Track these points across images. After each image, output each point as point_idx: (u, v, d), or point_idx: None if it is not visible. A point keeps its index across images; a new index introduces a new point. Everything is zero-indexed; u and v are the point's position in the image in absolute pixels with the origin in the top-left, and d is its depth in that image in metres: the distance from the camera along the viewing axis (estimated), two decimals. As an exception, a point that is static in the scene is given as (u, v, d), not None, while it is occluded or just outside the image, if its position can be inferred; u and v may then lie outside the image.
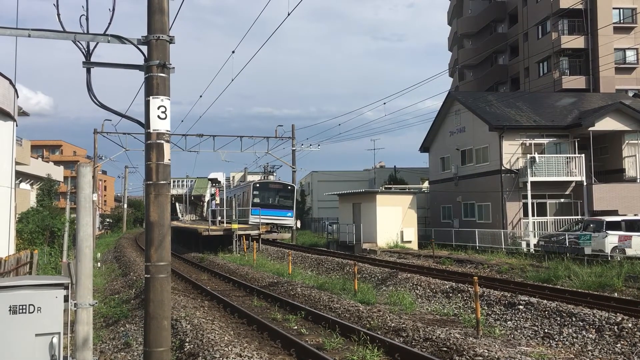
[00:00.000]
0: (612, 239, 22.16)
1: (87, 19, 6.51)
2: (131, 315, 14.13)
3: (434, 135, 38.61)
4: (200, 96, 34.18)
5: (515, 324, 12.58)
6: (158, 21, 6.50)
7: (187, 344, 10.37)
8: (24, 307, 5.28)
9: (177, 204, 79.70)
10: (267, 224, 36.53)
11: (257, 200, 38.50)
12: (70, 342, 5.94)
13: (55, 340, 5.33)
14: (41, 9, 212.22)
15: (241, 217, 38.88)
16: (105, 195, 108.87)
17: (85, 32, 6.53)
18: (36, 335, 5.29)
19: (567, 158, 30.10)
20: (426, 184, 44.86)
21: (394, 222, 32.35)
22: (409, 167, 55.92)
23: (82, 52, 6.64)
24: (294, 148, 41.37)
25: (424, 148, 39.94)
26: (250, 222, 36.72)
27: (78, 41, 6.55)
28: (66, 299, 5.47)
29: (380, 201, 32.56)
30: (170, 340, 6.87)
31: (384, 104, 79.56)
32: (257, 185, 39.88)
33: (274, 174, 58.49)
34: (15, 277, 14.39)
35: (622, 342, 10.44)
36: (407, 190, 38.47)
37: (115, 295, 18.72)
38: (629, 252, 21.59)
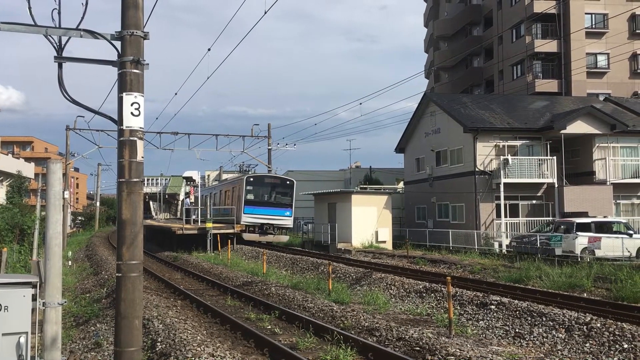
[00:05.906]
0: (582, 240, 22.60)
1: (59, 13, 6.38)
2: (102, 315, 13.92)
3: (410, 136, 38.86)
4: (176, 94, 33.92)
5: (487, 323, 12.72)
6: (132, 16, 6.40)
7: (159, 344, 10.26)
8: (-10, 306, 5.15)
9: (150, 203, 78.88)
10: (262, 224, 33.38)
11: (250, 196, 33.62)
12: (39, 342, 5.82)
13: (22, 340, 5.21)
14: (11, 4, 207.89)
15: (229, 217, 35.03)
16: (77, 193, 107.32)
17: (57, 26, 6.41)
18: (2, 335, 5.16)
19: (540, 160, 30.56)
20: (401, 185, 45.12)
21: (369, 222, 32.47)
22: (385, 168, 56.19)
23: (54, 47, 6.51)
24: (270, 147, 41.14)
25: (400, 149, 40.18)
26: (242, 222, 33.14)
27: (50, 35, 6.41)
28: (34, 298, 5.35)
29: (356, 201, 32.65)
30: (142, 340, 6.78)
31: (360, 104, 79.82)
32: (251, 179, 34.57)
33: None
34: (-17, 275, 14.09)
35: (590, 342, 10.62)
36: (383, 190, 38.60)
37: (86, 294, 18.44)
38: (598, 253, 22.01)
